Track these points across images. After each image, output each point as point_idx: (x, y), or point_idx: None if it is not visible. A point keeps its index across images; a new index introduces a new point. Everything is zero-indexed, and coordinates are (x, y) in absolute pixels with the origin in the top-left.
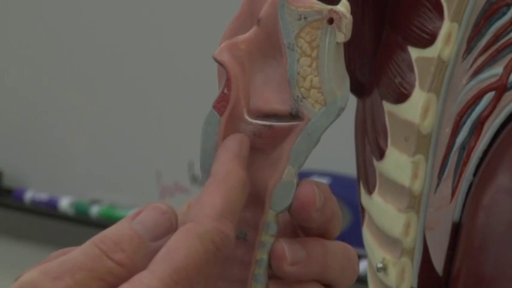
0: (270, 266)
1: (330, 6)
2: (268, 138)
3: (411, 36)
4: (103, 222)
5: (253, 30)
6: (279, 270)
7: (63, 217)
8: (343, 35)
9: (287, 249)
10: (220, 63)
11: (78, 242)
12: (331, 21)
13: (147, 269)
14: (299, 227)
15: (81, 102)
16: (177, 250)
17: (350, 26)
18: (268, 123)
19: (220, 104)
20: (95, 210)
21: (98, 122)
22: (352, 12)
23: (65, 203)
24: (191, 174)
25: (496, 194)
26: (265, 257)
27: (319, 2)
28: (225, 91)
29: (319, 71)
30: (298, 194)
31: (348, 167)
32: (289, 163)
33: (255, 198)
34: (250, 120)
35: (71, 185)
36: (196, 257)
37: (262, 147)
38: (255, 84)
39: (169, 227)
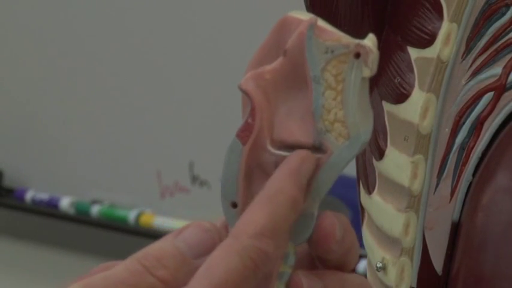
0: None
1: (357, 41)
2: None
3: (410, 37)
4: (104, 222)
5: (279, 61)
6: None
7: (64, 217)
8: (369, 70)
9: (304, 282)
10: (245, 93)
11: (78, 241)
12: (357, 55)
13: (187, 286)
14: (317, 259)
15: (81, 102)
16: (216, 266)
17: (376, 61)
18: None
19: (244, 133)
20: (95, 210)
21: (98, 122)
22: (352, 12)
23: (65, 203)
24: (191, 174)
25: (495, 193)
26: (282, 287)
27: (347, 36)
28: (249, 120)
29: (343, 104)
30: (319, 225)
31: (348, 167)
32: (310, 195)
33: None
34: (273, 150)
35: (72, 185)
36: (235, 274)
37: None
38: (279, 115)
39: (212, 245)
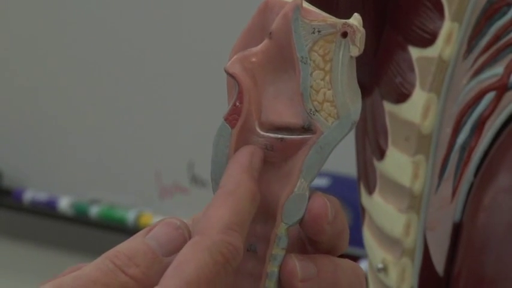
0: (280, 280)
1: (343, 20)
2: (279, 151)
3: (412, 36)
4: (102, 223)
5: (264, 43)
6: (290, 287)
7: (63, 217)
8: (357, 48)
9: (298, 266)
10: (232, 76)
11: (77, 242)
12: (345, 34)
13: (158, 285)
14: (309, 241)
15: (80, 102)
16: (186, 264)
17: (363, 40)
18: (280, 136)
19: (232, 116)
20: (94, 211)
21: (97, 122)
22: (353, 11)
23: (64, 203)
24: (191, 174)
25: (497, 194)
26: (276, 270)
27: (332, 16)
28: (237, 104)
29: (332, 84)
30: (311, 206)
31: (348, 167)
32: (301, 176)
33: (265, 211)
34: (261, 133)
35: (71, 185)
36: (207, 270)
37: (273, 160)
38: (267, 97)
39: (183, 242)
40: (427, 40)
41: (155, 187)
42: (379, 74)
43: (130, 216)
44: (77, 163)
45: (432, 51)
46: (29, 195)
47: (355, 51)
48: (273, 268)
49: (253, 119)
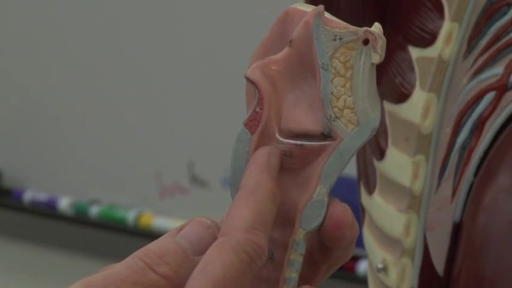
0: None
1: (364, 28)
2: (299, 157)
3: (412, 36)
4: (102, 223)
5: (285, 51)
6: None
7: (63, 217)
8: (378, 55)
9: None
10: (252, 82)
11: (77, 242)
12: (366, 42)
13: (186, 286)
14: (321, 250)
15: (81, 102)
16: (212, 264)
17: (384, 47)
18: (299, 142)
19: (252, 122)
20: (94, 211)
21: (97, 122)
22: (353, 12)
23: (64, 203)
24: (191, 174)
25: (497, 194)
26: (293, 275)
27: (351, 25)
28: (257, 110)
29: (353, 91)
30: (332, 212)
31: (348, 167)
32: (320, 182)
33: (283, 217)
34: (281, 139)
35: (70, 185)
36: (233, 270)
37: (292, 166)
38: (286, 105)
39: (213, 242)
40: (427, 40)
41: (155, 187)
42: (379, 74)
43: (130, 216)
44: (77, 163)
45: (432, 51)
46: (29, 195)
47: (377, 58)
48: (290, 273)
49: (273, 125)
